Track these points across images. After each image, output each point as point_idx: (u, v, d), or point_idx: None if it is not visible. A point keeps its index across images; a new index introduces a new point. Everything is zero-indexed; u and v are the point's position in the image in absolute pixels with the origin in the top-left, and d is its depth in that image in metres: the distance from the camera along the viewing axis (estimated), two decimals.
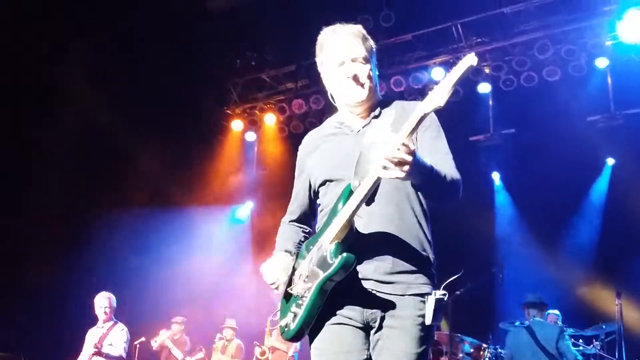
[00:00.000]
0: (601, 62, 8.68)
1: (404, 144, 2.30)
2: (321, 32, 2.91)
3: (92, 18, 8.89)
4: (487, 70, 9.22)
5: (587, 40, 8.55)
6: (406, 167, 2.32)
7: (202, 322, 10.49)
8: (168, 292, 10.31)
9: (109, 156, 9.88)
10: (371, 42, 2.85)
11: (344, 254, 2.50)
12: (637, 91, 8.61)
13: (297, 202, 3.02)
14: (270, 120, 10.65)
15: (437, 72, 9.20)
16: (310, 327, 2.66)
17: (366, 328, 2.64)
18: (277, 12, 9.29)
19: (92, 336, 7.68)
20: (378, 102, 2.86)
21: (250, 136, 11.15)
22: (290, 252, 2.87)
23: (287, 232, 3.02)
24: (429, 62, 9.43)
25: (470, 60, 2.32)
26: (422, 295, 2.61)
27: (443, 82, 2.37)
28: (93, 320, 7.84)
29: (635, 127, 8.75)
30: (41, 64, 8.95)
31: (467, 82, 9.30)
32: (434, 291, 2.62)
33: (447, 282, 2.75)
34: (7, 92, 8.79)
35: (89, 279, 9.26)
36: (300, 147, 3.03)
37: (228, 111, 11.10)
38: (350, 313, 2.62)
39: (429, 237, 2.73)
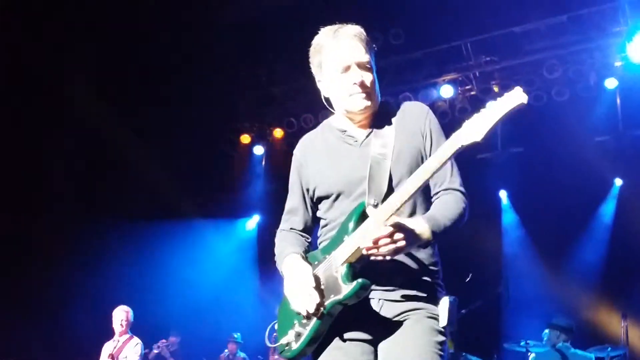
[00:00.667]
0: (610, 83, 8.69)
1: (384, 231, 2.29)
2: (320, 32, 2.74)
3: (99, 26, 8.95)
4: (495, 89, 9.24)
5: (596, 60, 8.57)
6: (395, 250, 2.33)
7: (206, 335, 10.48)
8: (172, 304, 10.30)
9: (117, 167, 9.92)
10: (372, 45, 2.71)
11: (360, 280, 2.40)
12: None
13: (300, 216, 2.83)
14: (278, 134, 10.70)
15: (445, 90, 9.24)
16: (313, 348, 2.57)
17: (375, 341, 2.55)
18: (288, 27, 9.34)
19: (107, 349, 7.78)
20: (378, 108, 2.73)
21: (259, 150, 11.19)
22: (300, 255, 2.67)
23: (291, 238, 2.81)
24: (438, 79, 9.46)
25: (520, 98, 2.17)
26: (432, 298, 2.55)
27: (486, 115, 2.23)
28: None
29: None
30: (47, 71, 9.00)
31: (475, 100, 9.33)
32: (445, 296, 2.57)
33: (465, 282, 2.73)
34: (9, 101, 8.83)
35: (94, 289, 9.28)
36: (296, 151, 2.89)
37: (237, 125, 11.15)
38: (357, 334, 2.54)
39: (436, 250, 2.66)
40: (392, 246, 2.31)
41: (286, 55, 10.15)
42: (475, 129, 2.23)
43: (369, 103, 2.63)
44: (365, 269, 2.47)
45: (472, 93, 9.45)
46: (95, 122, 9.50)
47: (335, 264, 2.49)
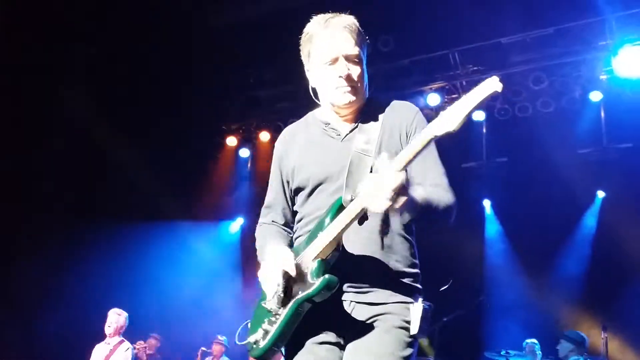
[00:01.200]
0: (595, 96, 8.77)
1: (399, 183, 2.15)
2: (311, 20, 2.63)
3: (90, 30, 8.91)
4: None
5: (582, 73, 8.64)
6: (398, 205, 2.21)
7: (187, 338, 10.41)
8: (153, 306, 10.24)
9: (102, 168, 9.86)
10: (364, 37, 2.62)
11: (327, 276, 2.34)
12: (630, 126, 8.68)
13: (280, 207, 2.76)
14: (264, 137, 10.68)
15: (432, 98, 9.29)
16: (281, 347, 2.51)
17: (345, 344, 2.47)
18: (277, 31, 9.34)
19: (98, 352, 7.72)
20: (366, 103, 2.66)
21: (244, 152, 11.17)
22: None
23: (272, 231, 2.73)
24: (425, 87, 9.50)
25: (494, 86, 2.11)
26: (406, 303, 2.45)
27: (459, 105, 2.16)
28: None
29: (626, 161, 8.81)
30: (40, 74, 8.94)
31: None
32: (420, 299, 2.47)
33: (439, 290, 2.65)
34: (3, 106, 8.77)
35: (76, 289, 9.21)
36: (278, 143, 2.83)
37: (223, 127, 11.12)
38: (328, 336, 2.48)
39: (415, 253, 2.59)
40: (403, 198, 2.19)
41: (274, 58, 10.15)
42: (449, 118, 2.16)
43: (353, 98, 2.56)
44: (337, 267, 2.40)
45: None
46: (82, 123, 9.45)
47: (307, 260, 2.42)
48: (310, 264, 2.40)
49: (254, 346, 2.53)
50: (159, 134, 9.99)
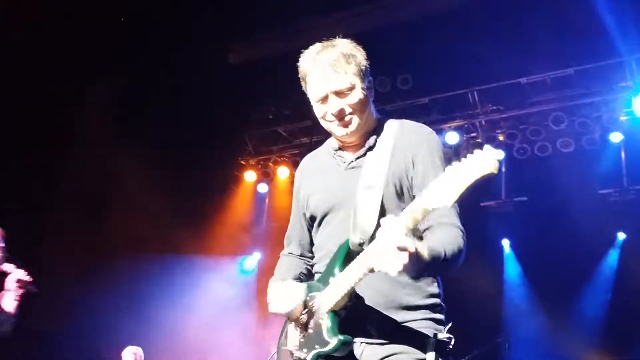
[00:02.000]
0: (615, 137, 8.72)
1: (402, 249, 2.02)
2: (303, 53, 2.63)
3: (109, 61, 9.06)
4: (501, 138, 9.29)
5: (602, 114, 8.62)
6: (401, 267, 2.06)
7: None
8: (166, 340, 10.18)
9: (119, 200, 9.92)
10: (360, 59, 2.52)
11: (341, 337, 2.34)
12: None
13: (297, 236, 2.79)
14: (283, 173, 10.73)
15: (451, 136, 9.29)
16: None
17: None
18: (297, 67, 9.46)
19: None
20: (374, 127, 2.60)
21: (263, 188, 11.21)
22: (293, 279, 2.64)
23: (289, 263, 2.77)
24: (444, 125, 9.52)
25: (489, 167, 1.91)
26: (423, 335, 2.37)
27: (454, 176, 1.96)
28: None
29: None
30: (54, 104, 9.06)
31: (481, 148, 9.30)
32: (437, 334, 2.38)
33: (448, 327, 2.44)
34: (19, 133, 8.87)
35: (89, 322, 9.19)
36: (297, 173, 2.86)
37: (242, 162, 11.19)
38: None
39: (437, 283, 2.51)
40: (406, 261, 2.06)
41: (293, 94, 10.23)
42: (445, 193, 1.98)
43: (348, 130, 2.51)
44: (349, 316, 2.40)
45: (478, 141, 9.49)
46: (100, 156, 9.54)
47: (321, 311, 2.41)
48: (324, 317, 2.40)
49: None
50: (177, 167, 10.05)
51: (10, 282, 4.95)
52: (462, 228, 2.40)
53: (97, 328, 9.08)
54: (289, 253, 2.82)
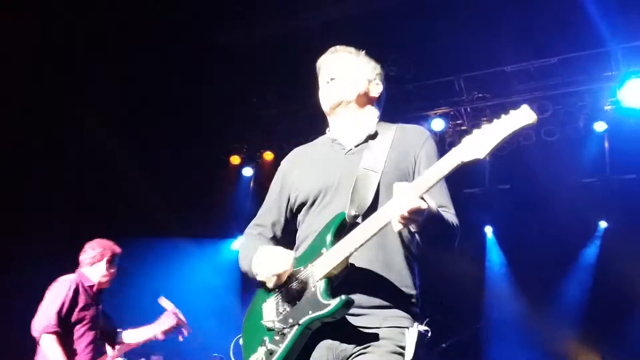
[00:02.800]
0: (599, 126, 8.78)
1: (418, 203, 2.17)
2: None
3: (95, 48, 8.98)
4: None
5: (587, 103, 8.66)
6: (415, 224, 2.22)
7: (187, 356, 10.34)
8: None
9: (104, 183, 9.86)
10: (358, 51, 2.82)
11: (343, 297, 2.27)
12: (634, 157, 8.70)
13: (270, 219, 2.77)
14: (268, 157, 10.73)
15: (437, 123, 9.30)
16: None
17: None
18: (283, 51, 9.43)
19: None
20: (377, 127, 2.70)
21: (247, 171, 11.20)
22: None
23: (259, 242, 2.69)
24: (429, 112, 9.53)
25: (528, 117, 2.08)
26: (401, 327, 2.37)
27: (489, 131, 2.16)
28: None
29: (629, 192, 8.82)
30: (48, 90, 8.99)
31: (466, 135, 9.37)
32: (415, 324, 2.39)
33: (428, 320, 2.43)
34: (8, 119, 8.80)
35: None
36: (284, 161, 2.87)
37: (227, 145, 11.17)
38: (318, 353, 2.39)
39: (416, 276, 2.55)
40: (420, 218, 2.20)
41: (279, 79, 10.23)
42: (477, 145, 2.15)
43: (336, 93, 2.70)
44: (341, 285, 2.36)
45: (463, 128, 9.52)
46: (87, 138, 9.47)
47: (313, 278, 2.37)
48: (317, 283, 2.36)
49: None
50: (162, 151, 10.01)
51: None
52: (457, 222, 2.52)
53: None
54: (259, 234, 2.77)
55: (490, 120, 7.83)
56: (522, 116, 2.10)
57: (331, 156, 2.67)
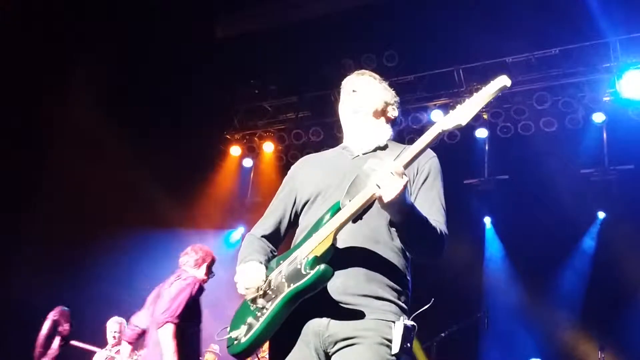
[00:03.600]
0: (598, 117, 8.81)
1: (400, 169, 2.28)
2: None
3: (93, 36, 8.98)
4: (485, 116, 9.35)
5: (586, 94, 8.69)
6: (397, 191, 2.26)
7: None
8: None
9: (104, 175, 9.88)
10: (392, 92, 2.93)
11: (322, 266, 2.31)
12: (632, 147, 8.73)
13: (274, 218, 2.82)
14: (268, 148, 10.75)
15: (436, 114, 9.33)
16: (261, 344, 2.47)
17: (325, 356, 2.43)
18: (283, 43, 9.45)
19: (99, 359, 7.75)
20: (387, 143, 2.80)
21: (248, 162, 11.23)
22: (261, 263, 2.61)
23: (257, 245, 2.77)
24: (429, 103, 9.56)
25: (503, 81, 2.28)
26: (388, 321, 2.40)
27: (470, 101, 2.33)
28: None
29: (627, 183, 8.85)
30: (42, 79, 8.99)
31: (465, 126, 9.42)
32: (402, 317, 2.42)
33: (417, 312, 2.49)
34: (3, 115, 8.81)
35: (79, 297, 9.21)
36: (294, 165, 2.95)
37: (227, 136, 11.19)
38: (306, 338, 2.42)
39: (408, 271, 2.60)
40: (400, 189, 2.26)
41: (280, 71, 10.24)
42: (459, 114, 2.31)
43: (358, 104, 2.80)
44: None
45: None
46: (85, 131, 9.48)
47: (300, 257, 2.43)
48: (303, 260, 2.40)
49: (235, 342, 2.50)
50: (162, 142, 10.03)
51: None
52: (445, 230, 2.56)
53: (82, 299, 9.10)
54: (262, 236, 2.82)
55: (488, 112, 7.86)
56: (497, 82, 2.29)
57: (338, 160, 2.78)
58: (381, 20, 8.74)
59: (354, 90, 2.83)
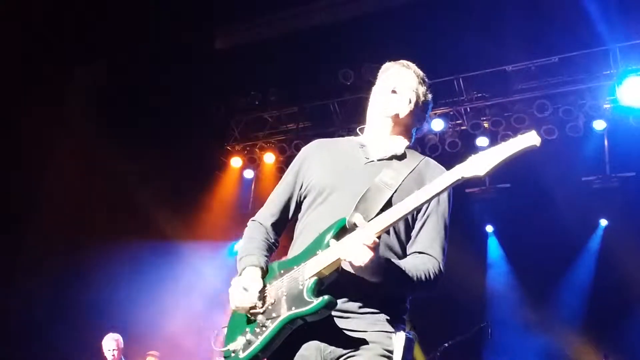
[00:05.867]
0: (598, 125, 8.80)
1: (374, 241, 2.24)
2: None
3: (93, 50, 9.00)
4: (486, 125, 9.34)
5: (586, 102, 8.68)
6: (364, 262, 2.23)
7: (184, 358, 10.36)
8: (153, 326, 10.20)
9: (106, 187, 9.88)
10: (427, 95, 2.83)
11: (326, 296, 2.30)
12: (633, 155, 8.72)
13: (280, 203, 2.78)
14: (269, 159, 10.73)
15: (436, 123, 9.32)
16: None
17: None
18: (284, 54, 9.46)
19: None
20: (405, 151, 2.71)
21: (249, 173, 11.21)
22: (261, 268, 2.59)
23: (258, 238, 2.74)
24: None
25: (533, 139, 2.12)
26: (388, 332, 2.40)
27: (495, 152, 2.18)
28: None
29: (629, 190, 8.83)
30: (42, 93, 9.00)
31: (466, 135, 9.45)
32: (402, 329, 2.42)
33: (415, 327, 2.54)
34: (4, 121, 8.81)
35: (79, 309, 9.19)
36: (306, 147, 2.87)
37: (228, 147, 11.18)
38: (306, 352, 2.40)
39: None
40: (367, 261, 2.23)
41: (280, 81, 10.26)
42: (480, 163, 2.19)
43: (398, 108, 2.72)
44: (329, 287, 2.39)
45: (463, 128, 9.55)
46: (86, 143, 9.49)
47: (303, 277, 2.40)
48: (306, 282, 2.38)
49: (232, 355, 2.48)
50: (163, 154, 10.03)
51: None
52: (441, 261, 2.54)
53: (85, 314, 9.08)
54: (261, 224, 2.80)
55: (489, 121, 7.87)
56: (527, 138, 2.14)
57: (352, 159, 2.69)
58: (380, 30, 8.75)
59: (393, 91, 2.73)
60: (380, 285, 2.36)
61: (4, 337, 8.85)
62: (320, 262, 2.37)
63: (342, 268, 2.38)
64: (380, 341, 2.38)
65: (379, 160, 2.65)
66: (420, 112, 2.78)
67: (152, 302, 10.16)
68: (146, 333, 10.04)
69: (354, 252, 2.23)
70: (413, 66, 2.84)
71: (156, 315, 10.22)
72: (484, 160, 2.19)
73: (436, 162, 2.76)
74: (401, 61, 2.84)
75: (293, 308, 2.35)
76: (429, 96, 2.82)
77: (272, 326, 2.39)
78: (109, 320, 8.19)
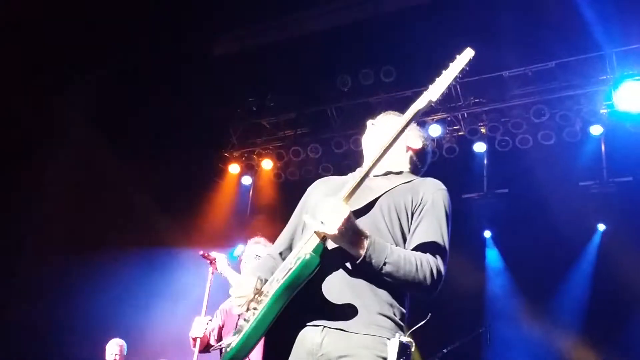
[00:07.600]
0: (595, 130, 8.81)
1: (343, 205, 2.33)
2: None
3: (92, 55, 9.01)
4: (483, 130, 9.36)
5: (583, 107, 8.70)
6: (336, 225, 2.29)
7: None
8: (151, 333, 10.18)
9: (103, 194, 9.87)
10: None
11: (307, 255, 2.34)
12: (630, 159, 8.73)
13: (288, 235, 2.84)
14: (267, 165, 10.73)
15: (434, 129, 9.34)
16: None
17: None
18: (281, 60, 9.47)
19: None
20: (404, 174, 2.81)
21: (247, 180, 11.21)
22: (260, 279, 2.60)
23: (266, 264, 2.78)
24: (426, 118, 9.56)
25: (468, 54, 2.45)
26: (382, 337, 2.38)
27: (440, 79, 2.47)
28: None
29: (627, 195, 8.84)
30: (41, 100, 9.02)
31: (463, 140, 9.46)
32: (397, 334, 2.39)
33: (414, 328, 2.48)
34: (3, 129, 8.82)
35: (76, 315, 9.17)
36: (310, 186, 2.96)
37: (226, 154, 11.18)
38: (298, 357, 2.40)
39: (406, 294, 2.58)
40: (339, 224, 2.29)
41: (278, 87, 10.27)
42: (430, 92, 2.47)
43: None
44: (313, 292, 2.41)
45: (460, 133, 9.57)
46: (84, 151, 9.49)
47: (291, 262, 2.44)
48: (293, 265, 2.42)
49: (227, 349, 2.49)
50: (160, 160, 10.03)
51: None
52: (436, 259, 2.50)
53: (83, 322, 9.06)
54: (268, 254, 2.86)
55: (486, 126, 7.89)
56: (463, 57, 2.49)
57: (344, 183, 2.69)
58: (378, 36, 8.77)
59: (372, 124, 2.97)
60: (369, 264, 2.36)
61: (4, 337, 8.84)
62: (301, 246, 2.45)
63: (327, 244, 2.41)
64: (374, 347, 2.36)
65: (375, 176, 2.71)
66: (417, 160, 3.01)
67: (149, 309, 10.15)
68: (145, 340, 10.02)
69: (324, 220, 2.31)
70: (392, 112, 3.12)
71: (154, 322, 10.21)
72: (433, 89, 2.48)
73: (431, 179, 2.79)
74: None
75: (281, 281, 2.39)
76: (414, 125, 2.99)
77: (262, 306, 2.40)
78: (107, 329, 8.17)
